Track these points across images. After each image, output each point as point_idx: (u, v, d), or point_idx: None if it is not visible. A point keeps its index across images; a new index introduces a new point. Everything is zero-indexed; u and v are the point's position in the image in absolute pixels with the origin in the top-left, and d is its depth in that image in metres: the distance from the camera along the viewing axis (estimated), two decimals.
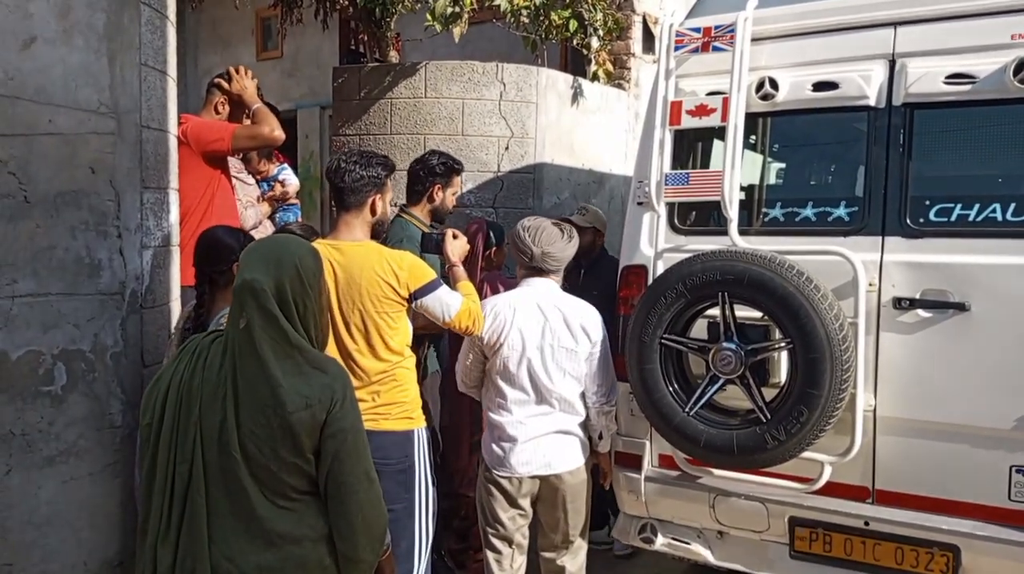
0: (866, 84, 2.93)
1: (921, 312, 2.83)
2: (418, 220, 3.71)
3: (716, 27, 3.13)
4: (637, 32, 5.77)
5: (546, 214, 5.03)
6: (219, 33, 10.01)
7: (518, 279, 3.17)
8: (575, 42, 5.20)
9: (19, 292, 2.57)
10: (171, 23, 3.14)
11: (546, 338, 3.02)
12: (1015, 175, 2.87)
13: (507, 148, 4.82)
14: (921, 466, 2.88)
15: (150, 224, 2.97)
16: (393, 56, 5.16)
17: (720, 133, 3.25)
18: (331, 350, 2.85)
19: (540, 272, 3.11)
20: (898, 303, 2.85)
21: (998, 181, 2.88)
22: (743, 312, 2.89)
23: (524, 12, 4.77)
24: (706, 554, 3.28)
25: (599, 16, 5.05)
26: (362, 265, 2.85)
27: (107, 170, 2.77)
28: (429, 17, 4.48)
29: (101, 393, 2.81)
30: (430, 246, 3.34)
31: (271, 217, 4.46)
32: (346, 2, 4.86)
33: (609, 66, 5.38)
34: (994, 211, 2.79)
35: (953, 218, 2.83)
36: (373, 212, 2.96)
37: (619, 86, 5.71)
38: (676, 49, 3.22)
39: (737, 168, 3.02)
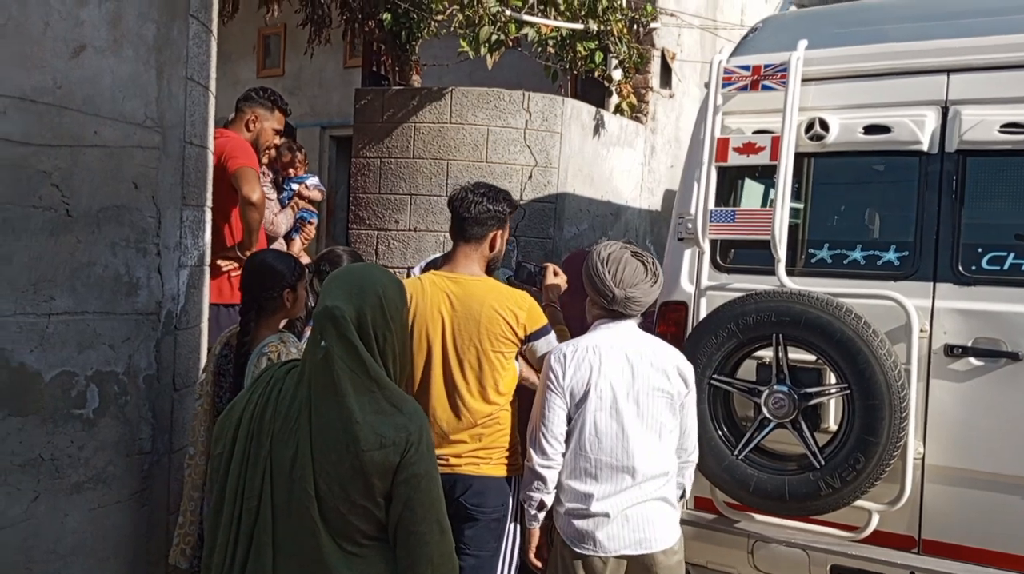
0: (919, 129, 2.93)
1: (973, 360, 2.80)
2: None
3: (766, 66, 3.12)
4: (655, 67, 5.79)
5: (565, 245, 4.99)
6: (220, 49, 9.86)
7: (588, 317, 2.76)
8: (596, 74, 5.20)
9: (56, 309, 2.45)
10: (214, 37, 3.07)
11: (639, 385, 2.58)
12: None
13: (530, 177, 4.78)
14: (969, 517, 2.83)
15: (188, 243, 2.88)
16: (415, 80, 5.12)
17: (758, 171, 3.25)
18: (437, 387, 2.73)
19: (619, 315, 2.66)
20: (950, 350, 2.82)
21: None
22: (794, 354, 2.85)
23: (551, 42, 4.76)
24: None
25: (624, 49, 5.06)
26: (482, 301, 2.75)
27: (150, 186, 2.67)
28: (463, 43, 4.44)
29: (132, 417, 2.70)
30: (524, 276, 3.19)
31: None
32: (372, 24, 4.82)
33: (633, 99, 5.38)
34: None
35: (1006, 266, 2.82)
36: (492, 247, 2.87)
37: (637, 119, 5.71)
38: (724, 86, 3.20)
39: (787, 207, 3.00)
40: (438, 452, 2.20)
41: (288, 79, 9.40)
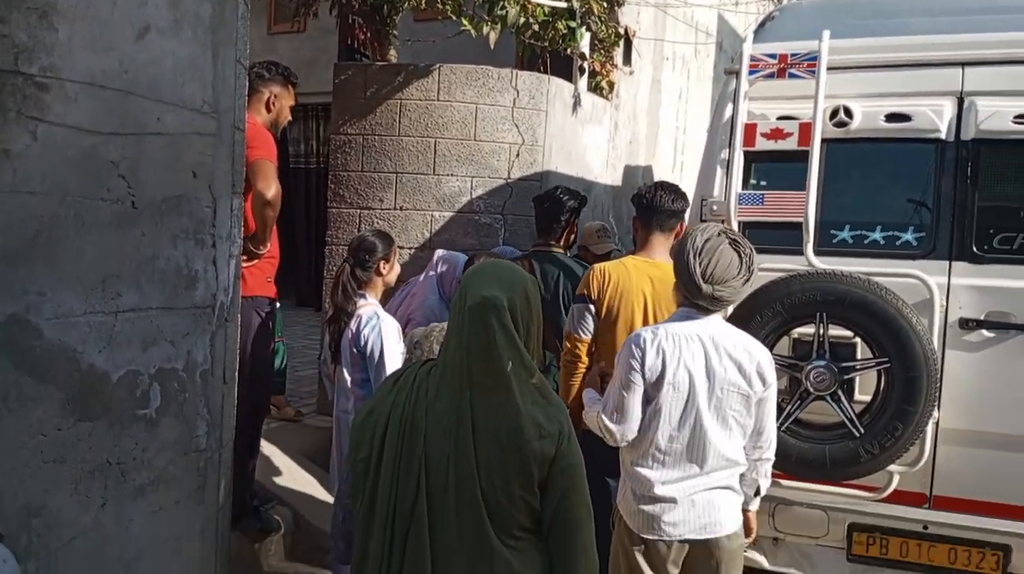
0: (937, 118, 3.12)
1: (985, 332, 3.05)
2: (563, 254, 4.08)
3: (793, 54, 3.24)
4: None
5: None
6: None
7: (674, 298, 2.68)
8: (569, 52, 5.23)
9: (122, 307, 2.33)
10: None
11: (716, 381, 2.51)
12: None
13: (518, 155, 4.79)
14: (978, 473, 3.10)
15: (235, 232, 2.77)
16: (392, 56, 5.00)
17: (771, 156, 3.38)
18: None
19: (704, 310, 2.58)
20: (964, 323, 3.05)
21: None
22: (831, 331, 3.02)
23: (533, 20, 4.74)
24: (761, 560, 3.41)
25: (603, 27, 5.10)
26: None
27: (207, 174, 2.55)
28: (464, 21, 4.37)
29: (190, 415, 2.59)
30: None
31: None
32: None
33: (613, 77, 5.44)
34: None
35: (1015, 246, 3.07)
36: (676, 236, 3.27)
37: (604, 97, 5.77)
38: (750, 73, 3.30)
39: (816, 191, 3.15)
40: None
41: None
